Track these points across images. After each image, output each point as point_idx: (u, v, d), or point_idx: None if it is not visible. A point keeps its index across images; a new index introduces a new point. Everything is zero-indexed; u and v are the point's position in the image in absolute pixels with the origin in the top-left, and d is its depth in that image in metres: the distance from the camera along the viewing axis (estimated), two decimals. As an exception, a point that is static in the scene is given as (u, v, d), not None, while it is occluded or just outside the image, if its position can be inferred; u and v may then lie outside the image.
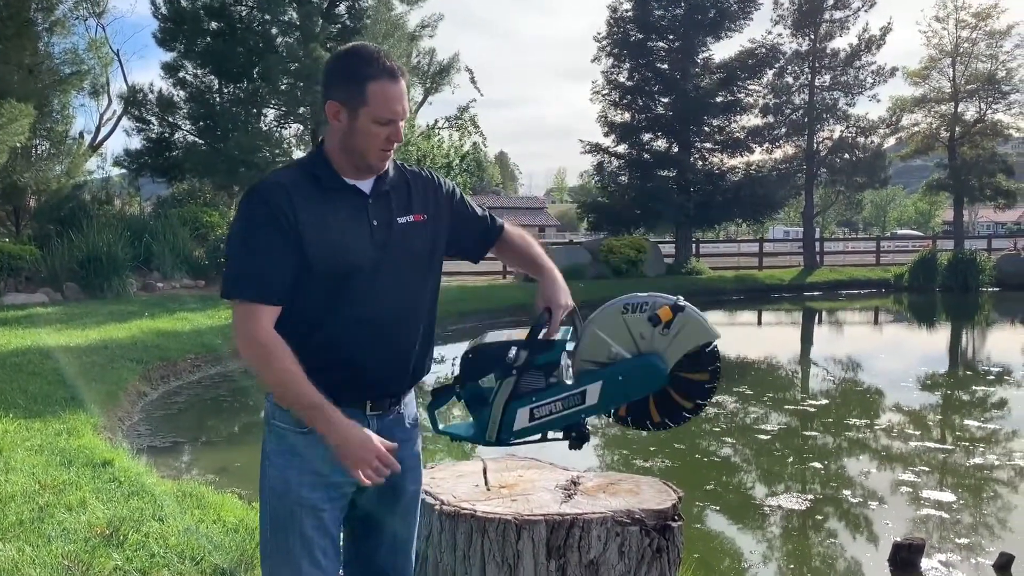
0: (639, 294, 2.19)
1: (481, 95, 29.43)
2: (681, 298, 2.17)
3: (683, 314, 2.13)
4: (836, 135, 29.85)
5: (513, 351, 2.11)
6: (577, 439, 2.17)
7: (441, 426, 2.24)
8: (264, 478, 2.03)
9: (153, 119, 21.70)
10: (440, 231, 2.13)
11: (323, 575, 2.00)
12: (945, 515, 5.81)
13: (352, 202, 2.00)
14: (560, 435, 2.18)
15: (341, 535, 2.10)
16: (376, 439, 1.90)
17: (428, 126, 25.06)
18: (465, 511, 2.28)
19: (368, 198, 2.02)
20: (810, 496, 6.30)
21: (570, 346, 2.18)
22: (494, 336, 2.20)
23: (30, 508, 4.44)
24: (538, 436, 2.18)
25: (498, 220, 2.30)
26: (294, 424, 1.98)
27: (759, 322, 21.28)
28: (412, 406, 2.18)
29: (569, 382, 2.15)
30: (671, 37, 28.65)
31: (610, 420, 2.24)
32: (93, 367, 9.09)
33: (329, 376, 1.95)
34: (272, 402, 2.03)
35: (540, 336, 2.11)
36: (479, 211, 2.26)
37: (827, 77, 29.54)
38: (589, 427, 2.22)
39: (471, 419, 2.22)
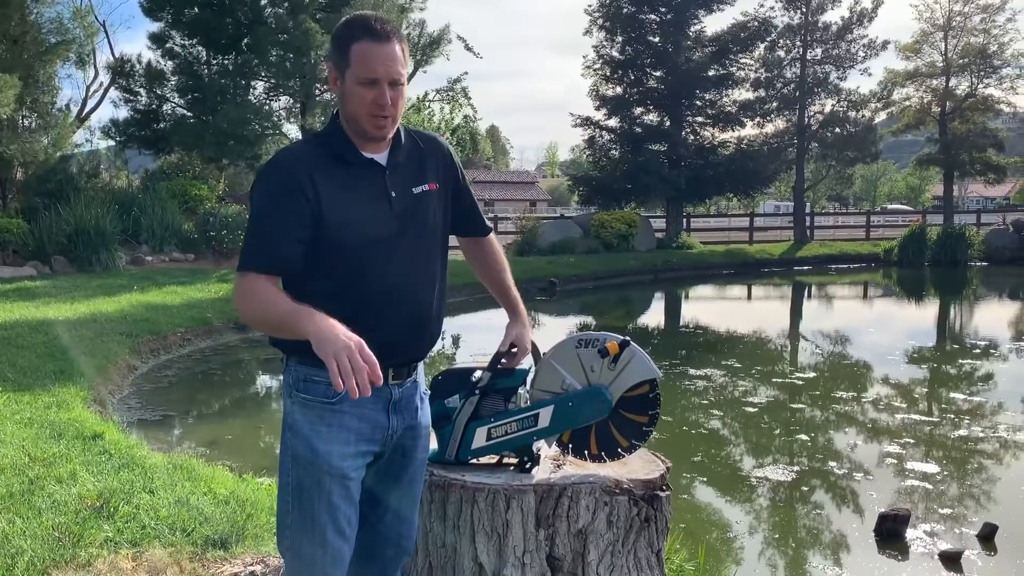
0: (592, 332, 2.41)
1: (479, 57, 29.18)
2: (629, 338, 2.36)
3: (629, 349, 2.33)
4: (827, 109, 29.84)
5: (478, 373, 2.35)
6: (528, 462, 2.36)
7: None
8: (287, 449, 2.05)
9: (141, 90, 21.47)
10: (448, 200, 2.19)
11: (346, 544, 2.04)
12: (930, 486, 5.88)
13: (370, 175, 2.02)
14: (514, 459, 2.39)
15: None
16: (356, 344, 1.78)
17: (418, 98, 24.90)
18: (455, 481, 2.30)
19: (386, 170, 2.04)
20: (797, 468, 6.36)
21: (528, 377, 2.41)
22: (461, 365, 2.50)
23: (20, 481, 4.45)
24: (495, 458, 2.40)
25: (489, 223, 2.38)
26: (321, 396, 2.01)
27: (749, 296, 21.35)
28: (422, 375, 2.23)
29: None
30: (663, 9, 28.47)
31: (555, 445, 2.43)
32: (82, 340, 9.07)
33: None
34: (296, 376, 2.05)
35: (501, 365, 2.33)
36: (475, 198, 2.32)
37: (819, 51, 29.45)
38: (540, 453, 2.41)
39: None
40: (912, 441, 7.05)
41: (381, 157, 2.05)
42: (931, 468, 6.28)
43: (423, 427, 2.20)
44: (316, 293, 1.96)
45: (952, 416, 7.89)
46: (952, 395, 8.92)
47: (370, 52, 1.94)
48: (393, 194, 2.03)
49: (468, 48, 24.95)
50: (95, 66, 26.80)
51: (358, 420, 2.02)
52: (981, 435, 7.22)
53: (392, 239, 2.01)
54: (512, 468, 2.38)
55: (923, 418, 7.87)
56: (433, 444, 2.41)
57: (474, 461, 2.39)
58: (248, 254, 1.95)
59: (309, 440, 2.00)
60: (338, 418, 2.01)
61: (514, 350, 2.32)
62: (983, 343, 12.40)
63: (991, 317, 16.23)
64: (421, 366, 2.21)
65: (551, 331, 13.94)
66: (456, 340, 12.91)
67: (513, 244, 24.37)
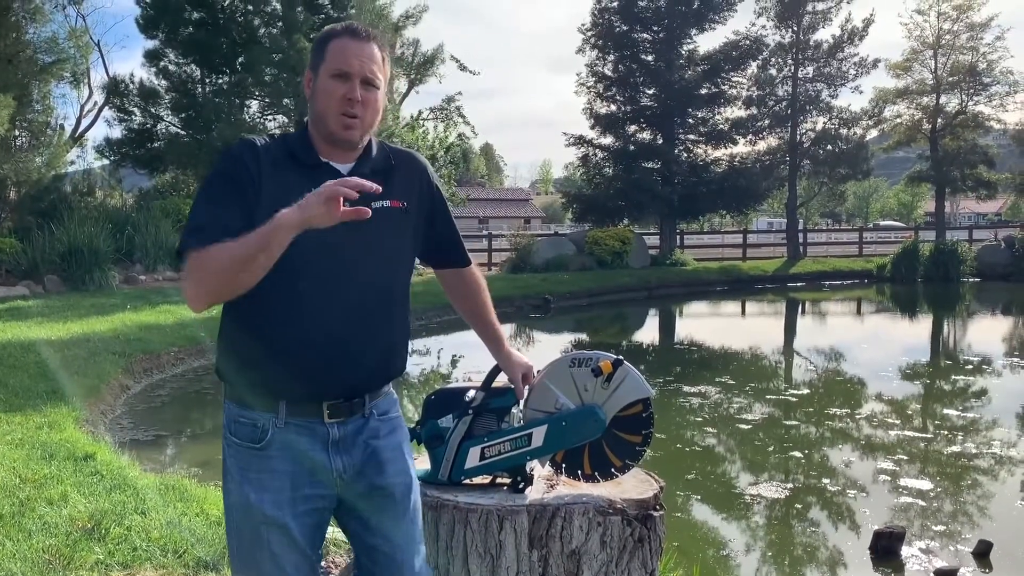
0: (586, 351, 2.38)
1: (476, 73, 29.34)
2: (622, 357, 2.35)
3: (622, 368, 2.32)
4: (819, 127, 30.03)
5: (471, 392, 2.33)
6: (522, 482, 2.34)
7: None
8: (226, 494, 1.93)
9: (135, 109, 21.52)
10: (420, 222, 2.02)
11: None
12: (925, 503, 5.88)
13: (324, 181, 1.78)
14: (508, 479, 2.36)
15: (327, 539, 2.01)
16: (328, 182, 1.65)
17: (412, 117, 24.98)
18: (447, 502, 2.28)
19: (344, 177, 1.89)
20: (791, 485, 6.35)
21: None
22: (454, 385, 2.45)
23: (11, 502, 4.42)
24: (488, 479, 2.37)
25: (468, 256, 2.22)
26: (248, 440, 1.88)
27: (743, 313, 21.39)
28: (388, 401, 2.04)
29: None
30: (655, 28, 28.71)
31: (548, 465, 2.41)
32: (75, 360, 9.03)
33: (282, 369, 1.84)
34: (228, 416, 1.93)
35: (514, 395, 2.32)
36: (455, 227, 2.17)
37: (810, 69, 29.68)
38: (534, 473, 2.38)
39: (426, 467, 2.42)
40: (906, 458, 7.05)
41: (343, 166, 1.90)
42: (925, 485, 6.27)
43: (389, 449, 1.98)
44: (247, 306, 1.80)
45: (946, 432, 7.89)
46: (946, 411, 8.92)
47: (347, 46, 1.86)
48: (346, 205, 1.78)
49: (462, 67, 25.11)
50: (89, 85, 26.86)
51: (291, 463, 1.86)
52: (975, 451, 7.23)
53: (336, 255, 1.82)
54: (505, 488, 2.36)
55: (917, 434, 7.87)
56: (426, 464, 2.40)
57: (467, 481, 2.38)
58: (189, 235, 1.75)
59: (241, 486, 1.87)
60: (267, 463, 1.86)
61: (522, 373, 2.31)
62: (976, 359, 12.43)
63: (984, 333, 16.28)
64: (390, 391, 2.04)
65: (545, 348, 13.93)
66: (453, 360, 12.89)
67: (507, 261, 24.42)
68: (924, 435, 7.89)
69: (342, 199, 1.64)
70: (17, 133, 18.47)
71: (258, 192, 1.81)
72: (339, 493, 1.94)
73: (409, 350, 2.09)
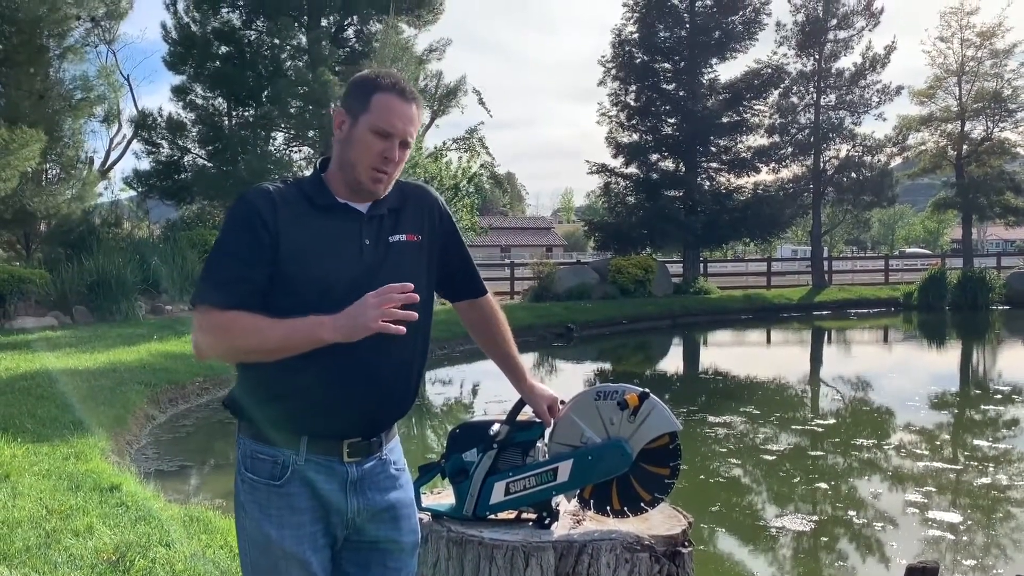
0: (611, 384, 2.36)
1: (490, 116, 29.65)
2: (648, 390, 2.32)
3: (649, 401, 2.29)
4: (842, 154, 29.89)
5: (496, 426, 2.31)
6: (548, 518, 2.31)
7: (424, 503, 2.36)
8: (241, 529, 1.94)
9: (163, 142, 21.89)
10: (433, 254, 2.05)
11: None
12: (955, 537, 5.76)
13: (343, 221, 1.92)
14: (533, 515, 2.33)
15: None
16: (369, 294, 1.76)
17: (436, 148, 25.19)
18: (472, 537, 2.27)
19: (362, 216, 1.94)
20: (818, 517, 6.25)
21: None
22: (478, 419, 2.44)
23: (37, 534, 4.44)
24: (513, 514, 2.34)
25: (484, 285, 2.24)
26: (267, 477, 1.89)
27: (768, 341, 21.21)
28: (398, 450, 2.07)
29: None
30: (676, 58, 28.80)
31: (575, 501, 2.39)
32: (101, 390, 9.11)
33: (300, 407, 1.87)
34: (244, 452, 1.93)
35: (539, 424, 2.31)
36: (469, 256, 2.20)
37: (832, 96, 29.63)
38: (560, 508, 2.36)
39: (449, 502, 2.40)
40: (936, 489, 6.93)
41: (362, 206, 1.95)
42: (956, 517, 6.15)
43: (404, 506, 2.03)
44: None
45: (976, 463, 7.75)
46: (976, 442, 8.77)
47: (393, 105, 1.90)
48: (366, 242, 1.91)
49: (481, 102, 25.39)
50: (119, 119, 27.35)
51: (310, 499, 1.89)
52: (1007, 483, 7.09)
53: (358, 290, 1.81)
54: (531, 524, 2.34)
55: (947, 465, 7.74)
56: (450, 498, 2.39)
57: (492, 517, 2.36)
58: (209, 289, 1.83)
59: (259, 524, 1.88)
60: (287, 500, 1.88)
61: (547, 405, 2.29)
62: (1007, 388, 12.22)
63: (1015, 361, 16.02)
64: (396, 439, 2.07)
65: (568, 378, 13.88)
66: (475, 389, 12.87)
67: (529, 290, 24.43)
68: (954, 466, 7.75)
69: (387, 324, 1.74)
70: (48, 167, 18.82)
71: (275, 239, 1.85)
72: (347, 535, 1.97)
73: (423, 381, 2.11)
